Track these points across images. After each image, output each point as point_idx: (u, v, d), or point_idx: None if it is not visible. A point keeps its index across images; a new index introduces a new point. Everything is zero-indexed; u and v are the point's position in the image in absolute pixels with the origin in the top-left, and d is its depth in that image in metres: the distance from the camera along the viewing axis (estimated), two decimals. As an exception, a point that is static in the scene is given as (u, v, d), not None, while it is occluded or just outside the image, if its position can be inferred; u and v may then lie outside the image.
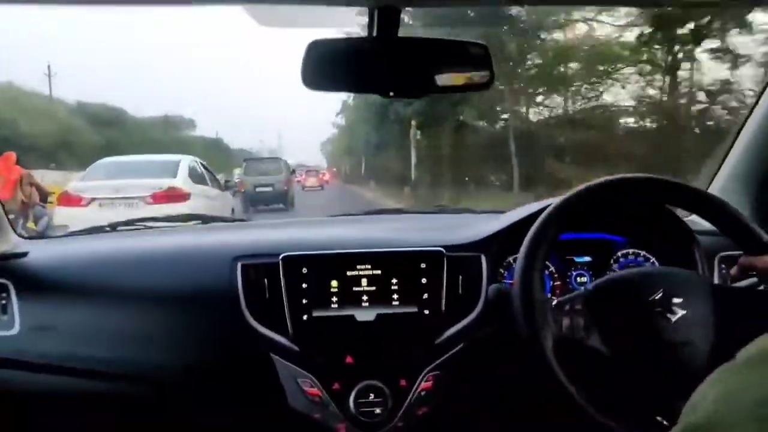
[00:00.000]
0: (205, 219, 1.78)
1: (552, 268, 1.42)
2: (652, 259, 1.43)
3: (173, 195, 7.37)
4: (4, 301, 1.30)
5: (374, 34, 1.03)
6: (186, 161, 8.42)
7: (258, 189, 16.42)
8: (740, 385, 0.45)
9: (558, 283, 1.42)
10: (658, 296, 1.04)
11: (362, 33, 1.07)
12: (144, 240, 1.58)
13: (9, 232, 1.47)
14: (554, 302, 1.09)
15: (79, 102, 35.47)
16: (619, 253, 1.44)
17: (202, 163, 8.98)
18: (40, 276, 1.36)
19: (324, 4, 1.02)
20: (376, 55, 1.06)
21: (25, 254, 1.40)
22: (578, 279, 1.42)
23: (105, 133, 30.99)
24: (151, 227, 1.71)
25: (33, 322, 1.30)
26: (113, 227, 1.70)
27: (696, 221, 1.36)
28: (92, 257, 1.45)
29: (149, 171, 8.01)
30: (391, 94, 1.08)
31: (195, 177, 8.31)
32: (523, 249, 1.11)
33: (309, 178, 30.93)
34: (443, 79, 1.08)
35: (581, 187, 1.14)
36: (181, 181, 7.80)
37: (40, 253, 1.42)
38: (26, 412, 1.35)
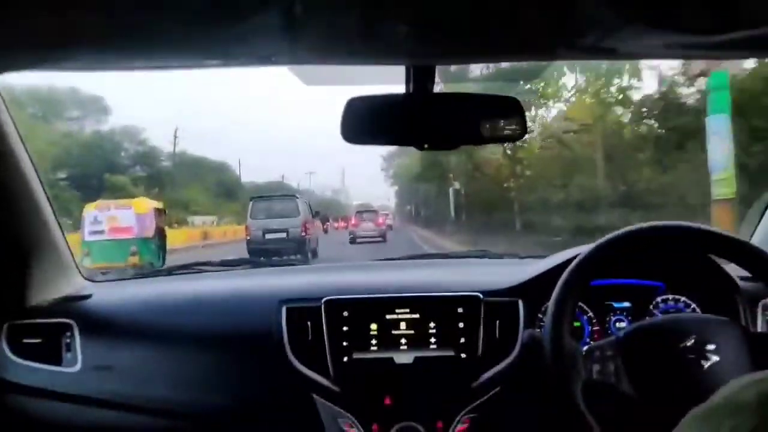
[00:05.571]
0: (255, 264, 1.87)
1: (590, 314, 1.42)
2: (693, 305, 1.42)
3: None
4: (68, 340, 1.40)
5: (410, 90, 1.09)
6: None
7: (268, 236, 12.96)
8: None
9: (597, 328, 1.41)
10: (690, 343, 1.04)
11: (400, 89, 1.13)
12: (197, 284, 1.67)
13: (76, 275, 1.59)
14: (584, 348, 1.10)
15: None
16: (659, 299, 1.43)
17: None
18: (101, 318, 1.46)
19: (363, 64, 1.09)
20: (411, 110, 1.11)
21: (89, 296, 1.51)
22: (617, 324, 1.42)
23: None
24: (205, 270, 1.81)
25: (93, 360, 1.39)
26: (170, 271, 1.81)
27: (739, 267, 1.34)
28: (149, 300, 1.55)
29: None
30: (426, 146, 1.13)
31: None
32: (553, 297, 1.13)
33: (363, 223, 19.80)
34: (476, 132, 1.12)
35: (611, 235, 1.15)
36: None
37: (102, 296, 1.53)
38: None
